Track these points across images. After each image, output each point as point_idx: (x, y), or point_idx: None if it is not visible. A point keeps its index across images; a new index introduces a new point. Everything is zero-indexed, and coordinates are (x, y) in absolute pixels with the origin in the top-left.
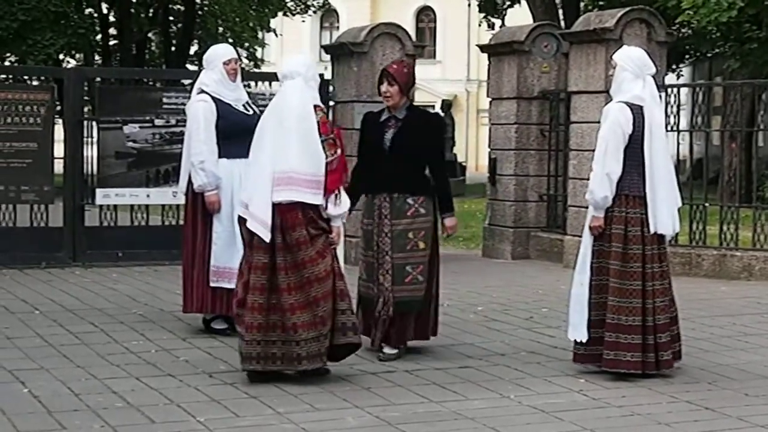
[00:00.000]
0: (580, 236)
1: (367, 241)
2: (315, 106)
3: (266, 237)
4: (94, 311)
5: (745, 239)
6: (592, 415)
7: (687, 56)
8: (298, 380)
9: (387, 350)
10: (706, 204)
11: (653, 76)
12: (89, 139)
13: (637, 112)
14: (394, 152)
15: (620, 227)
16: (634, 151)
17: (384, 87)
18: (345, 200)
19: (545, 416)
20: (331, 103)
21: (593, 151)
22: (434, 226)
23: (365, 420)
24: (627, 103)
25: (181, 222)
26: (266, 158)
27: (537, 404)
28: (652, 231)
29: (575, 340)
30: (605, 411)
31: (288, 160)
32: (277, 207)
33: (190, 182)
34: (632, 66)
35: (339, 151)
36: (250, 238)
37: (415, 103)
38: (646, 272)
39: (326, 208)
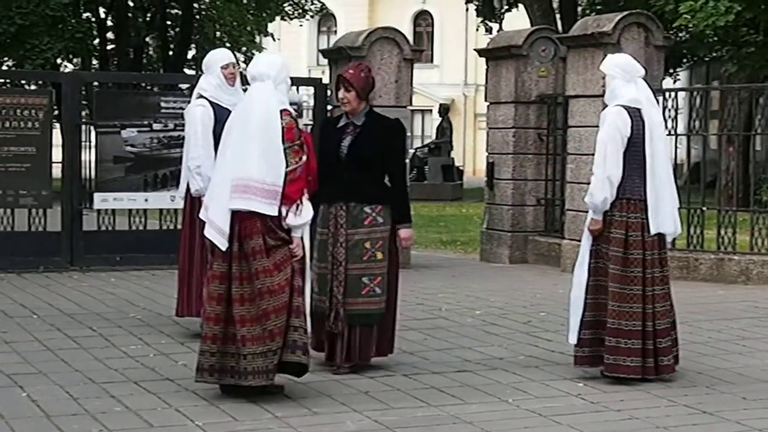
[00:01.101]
0: (578, 240)
1: (321, 251)
2: (282, 111)
3: (222, 245)
4: (93, 315)
5: (743, 243)
6: (590, 419)
7: (684, 60)
8: (297, 385)
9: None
10: (704, 208)
11: (644, 78)
12: (87, 144)
13: (635, 114)
14: (351, 160)
15: (621, 231)
16: (634, 154)
17: (341, 93)
18: (307, 210)
19: (543, 420)
20: (329, 107)
21: (591, 155)
22: (392, 235)
23: (364, 424)
24: (624, 107)
25: (179, 226)
26: (227, 163)
27: (535, 408)
28: (653, 232)
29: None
30: (603, 415)
31: (246, 168)
32: (236, 214)
33: (188, 187)
34: (620, 72)
35: (305, 158)
36: (212, 245)
37: (413, 107)
38: (647, 277)
39: (286, 217)
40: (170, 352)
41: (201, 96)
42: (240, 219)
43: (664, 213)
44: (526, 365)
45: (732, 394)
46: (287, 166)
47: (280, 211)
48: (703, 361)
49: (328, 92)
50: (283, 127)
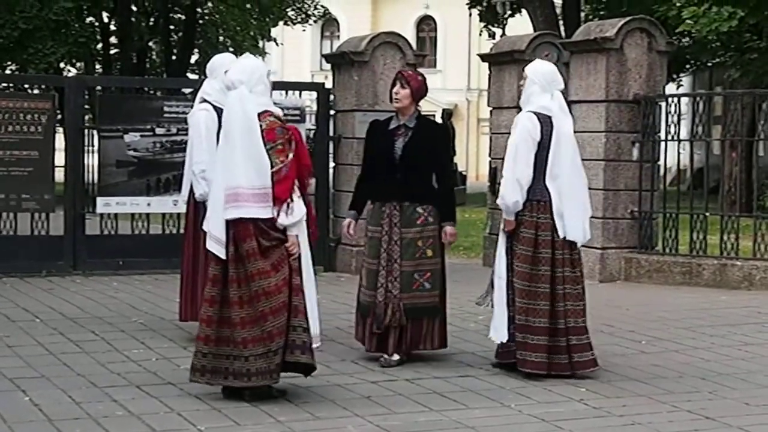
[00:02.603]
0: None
1: (372, 248)
2: (262, 113)
3: (221, 254)
4: (95, 320)
5: (746, 249)
6: (592, 424)
7: (687, 66)
8: (299, 389)
9: (389, 357)
10: (707, 213)
11: (562, 91)
12: (90, 148)
13: (545, 121)
14: (404, 161)
15: (530, 231)
16: (542, 158)
17: (396, 88)
18: (298, 209)
19: (546, 425)
20: (332, 112)
21: (594, 160)
22: (441, 233)
23: (366, 429)
24: (535, 113)
25: (182, 231)
26: (218, 175)
27: (537, 413)
28: (561, 236)
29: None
30: (606, 420)
31: (235, 176)
32: (230, 220)
33: (191, 191)
34: (541, 80)
35: (291, 155)
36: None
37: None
38: (556, 276)
39: (277, 217)
40: (172, 356)
41: (204, 100)
42: (234, 223)
43: (571, 221)
44: None
45: (735, 399)
46: (271, 167)
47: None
48: (706, 366)
49: (331, 97)
50: (263, 129)
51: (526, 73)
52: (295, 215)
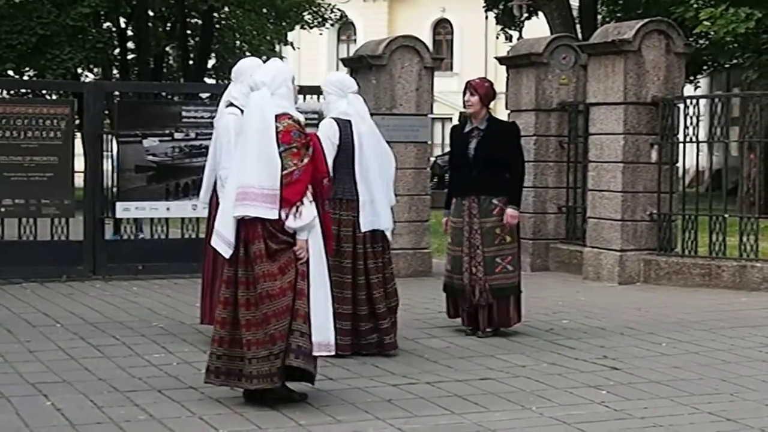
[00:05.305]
0: (600, 248)
1: (455, 236)
2: (280, 115)
3: (226, 254)
4: (115, 324)
5: (765, 250)
6: (613, 426)
7: (705, 67)
8: (320, 392)
9: (484, 331)
10: (726, 215)
11: (360, 93)
12: (109, 153)
13: (344, 125)
14: (478, 159)
15: (334, 227)
16: (344, 160)
17: (467, 97)
18: (307, 213)
19: (567, 428)
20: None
21: (612, 162)
22: (517, 221)
23: None
24: (335, 119)
25: (201, 235)
26: (233, 174)
27: (558, 416)
28: (363, 230)
29: None
30: (627, 422)
31: (246, 175)
32: (241, 220)
33: (213, 194)
34: (333, 88)
35: (306, 160)
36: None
37: (433, 115)
38: (358, 267)
39: (285, 220)
40: (193, 361)
41: (232, 104)
42: (244, 224)
43: (381, 212)
44: (548, 373)
45: (755, 401)
46: (284, 169)
47: (280, 215)
48: (726, 368)
49: None
50: (279, 131)
51: (322, 86)
52: (303, 219)
